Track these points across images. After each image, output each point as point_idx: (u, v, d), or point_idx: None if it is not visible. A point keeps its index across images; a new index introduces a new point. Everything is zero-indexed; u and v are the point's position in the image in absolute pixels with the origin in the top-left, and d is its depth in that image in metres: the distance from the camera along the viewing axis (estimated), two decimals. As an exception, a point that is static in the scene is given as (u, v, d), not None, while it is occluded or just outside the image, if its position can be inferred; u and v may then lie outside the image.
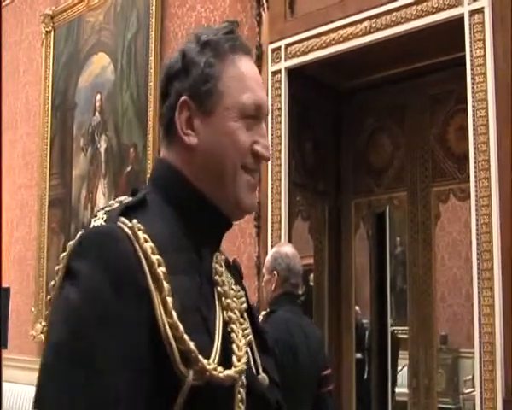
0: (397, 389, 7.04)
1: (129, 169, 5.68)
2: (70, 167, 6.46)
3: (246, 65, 1.19)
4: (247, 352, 1.11)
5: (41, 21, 6.88)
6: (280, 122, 4.23)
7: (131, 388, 0.95)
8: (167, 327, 0.98)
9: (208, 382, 0.99)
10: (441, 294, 8.54)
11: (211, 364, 1.00)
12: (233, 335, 1.08)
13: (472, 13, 3.37)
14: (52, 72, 6.76)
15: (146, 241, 1.02)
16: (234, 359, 1.05)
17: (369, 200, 5.08)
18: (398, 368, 8.32)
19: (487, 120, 3.24)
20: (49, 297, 1.06)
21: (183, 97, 1.16)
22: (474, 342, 3.24)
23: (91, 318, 0.95)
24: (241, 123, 1.15)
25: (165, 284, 1.00)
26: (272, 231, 4.20)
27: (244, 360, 1.06)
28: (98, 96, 6.14)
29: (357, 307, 5.67)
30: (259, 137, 1.17)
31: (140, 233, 1.02)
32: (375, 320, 5.60)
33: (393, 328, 6.61)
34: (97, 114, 6.15)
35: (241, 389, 1.06)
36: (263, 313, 3.24)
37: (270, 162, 4.23)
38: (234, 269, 1.33)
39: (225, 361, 1.03)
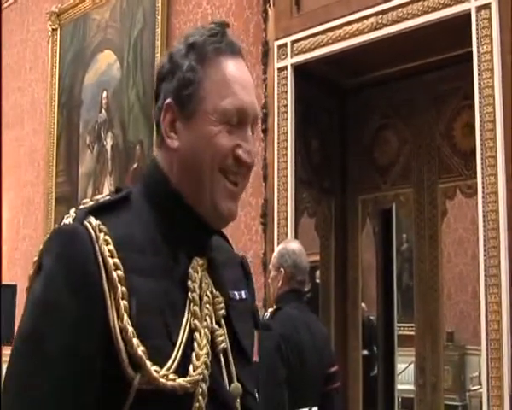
0: (402, 386, 7.03)
1: (135, 166, 5.69)
2: (76, 165, 6.47)
3: (231, 68, 1.17)
4: (216, 360, 1.12)
5: (47, 19, 6.90)
6: (286, 119, 4.23)
7: (74, 384, 1.00)
8: (117, 330, 1.00)
9: (158, 388, 1.01)
10: (448, 291, 8.52)
11: (160, 371, 1.01)
12: (195, 343, 1.08)
13: (478, 8, 3.36)
14: (58, 69, 6.77)
15: (106, 243, 1.04)
16: (190, 368, 1.05)
17: (376, 196, 5.08)
18: (404, 365, 8.32)
19: (494, 116, 3.23)
20: (26, 286, 1.10)
21: (168, 100, 1.16)
22: (480, 339, 3.23)
23: (45, 313, 1.01)
24: (222, 127, 1.14)
25: (120, 288, 1.02)
26: (278, 228, 4.20)
27: (200, 370, 1.05)
28: (104, 94, 6.15)
29: (363, 304, 5.66)
30: (242, 141, 1.15)
31: (101, 235, 1.05)
32: (382, 317, 5.59)
33: (400, 325, 6.60)
34: (103, 111, 6.16)
35: (201, 398, 1.06)
36: (269, 310, 3.24)
37: (276, 159, 4.23)
38: (241, 267, 1.34)
39: (185, 368, 1.05)
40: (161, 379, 1.01)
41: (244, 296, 1.27)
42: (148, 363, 1.00)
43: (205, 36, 1.18)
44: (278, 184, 4.22)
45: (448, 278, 8.48)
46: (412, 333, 5.62)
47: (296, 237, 4.14)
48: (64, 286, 1.01)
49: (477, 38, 3.35)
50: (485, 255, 3.22)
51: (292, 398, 2.89)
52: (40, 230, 6.74)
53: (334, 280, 4.97)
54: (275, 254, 3.31)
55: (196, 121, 1.14)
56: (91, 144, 6.31)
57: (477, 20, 3.36)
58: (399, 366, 6.85)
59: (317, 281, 5.25)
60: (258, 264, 4.42)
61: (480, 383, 5.41)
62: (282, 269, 3.18)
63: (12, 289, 5.63)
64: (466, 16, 3.42)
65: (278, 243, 3.89)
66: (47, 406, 0.98)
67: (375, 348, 6.63)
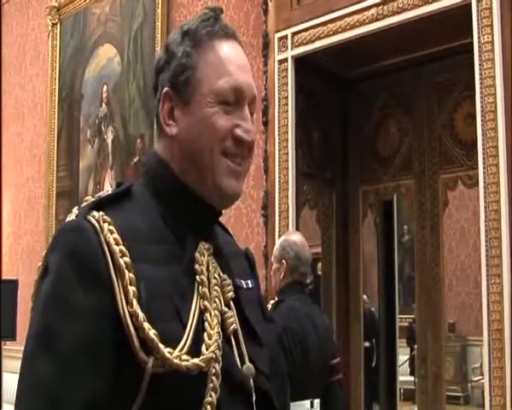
0: (403, 378, 7.06)
1: (136, 160, 5.69)
2: (77, 159, 6.47)
3: (225, 49, 1.18)
4: (226, 341, 1.12)
5: (47, 14, 6.89)
6: (287, 111, 4.22)
7: (90, 374, 1.00)
8: (127, 316, 1.01)
9: (173, 370, 1.01)
10: (449, 282, 8.54)
11: (173, 352, 1.02)
12: (206, 324, 1.09)
13: (479, -2, 3.35)
14: (59, 64, 6.77)
15: (111, 232, 1.05)
16: (203, 348, 1.06)
17: (377, 188, 5.08)
18: (406, 357, 8.36)
19: (495, 107, 3.22)
20: (32, 291, 1.10)
21: (165, 89, 1.17)
22: (482, 329, 3.23)
23: (57, 308, 1.02)
24: (219, 108, 1.14)
25: (127, 274, 1.03)
26: (280, 220, 4.19)
27: (213, 348, 1.06)
28: (105, 88, 6.14)
29: (364, 296, 5.67)
30: (240, 120, 1.16)
31: (105, 225, 1.05)
32: (383, 309, 5.60)
33: (401, 316, 6.61)
34: (104, 105, 6.16)
35: (214, 378, 1.06)
36: (271, 302, 3.24)
37: (277, 152, 4.23)
38: (246, 259, 1.35)
39: (198, 350, 1.05)
40: (175, 360, 1.01)
41: (250, 286, 1.28)
42: (161, 345, 1.01)
43: (198, 21, 1.19)
44: (279, 177, 4.22)
45: (450, 268, 8.50)
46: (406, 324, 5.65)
47: (297, 229, 4.14)
48: (73, 281, 1.02)
49: (478, 29, 3.33)
50: (486, 246, 3.22)
51: (294, 390, 2.90)
52: (41, 225, 6.75)
53: (336, 272, 4.97)
54: (277, 246, 3.31)
55: (194, 105, 1.15)
56: (92, 139, 6.31)
57: (478, 10, 3.34)
58: (401, 358, 6.86)
59: (319, 273, 5.26)
60: (259, 256, 4.43)
61: (481, 374, 5.43)
62: (284, 261, 3.17)
63: (14, 284, 5.63)
64: (467, 6, 3.40)
65: (279, 236, 3.88)
66: (63, 401, 0.98)
67: (373, 340, 6.66)
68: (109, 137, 6.07)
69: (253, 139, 1.17)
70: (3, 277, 6.20)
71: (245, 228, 4.60)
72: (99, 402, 1.00)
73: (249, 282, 1.28)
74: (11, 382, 5.76)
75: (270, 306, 3.19)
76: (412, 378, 6.76)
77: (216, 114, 1.14)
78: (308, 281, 3.39)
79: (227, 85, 1.14)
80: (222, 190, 1.16)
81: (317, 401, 3.07)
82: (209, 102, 1.14)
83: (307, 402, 3.03)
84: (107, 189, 5.91)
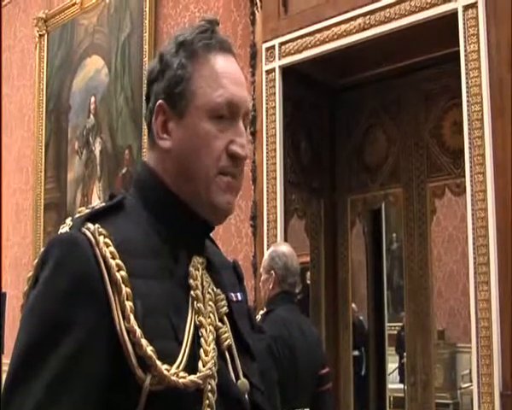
0: (392, 386, 7.06)
1: (124, 171, 5.68)
2: (65, 171, 6.45)
3: (221, 63, 1.16)
4: (221, 357, 1.11)
5: (34, 25, 6.88)
6: (274, 121, 4.23)
7: (84, 391, 0.97)
8: (124, 332, 0.99)
9: (169, 387, 0.99)
10: (438, 289, 8.57)
11: (170, 369, 1.00)
12: (202, 340, 1.07)
13: (465, 8, 3.37)
14: (46, 75, 6.76)
15: (107, 245, 1.02)
16: (199, 364, 1.04)
17: (365, 196, 5.09)
18: (395, 365, 8.37)
19: (482, 115, 3.24)
20: (21, 304, 1.08)
21: (159, 101, 1.15)
22: (471, 336, 3.24)
23: (47, 324, 0.98)
24: (213, 124, 1.13)
25: (124, 289, 1.00)
26: (268, 230, 4.19)
27: (210, 365, 1.05)
28: (92, 99, 6.14)
29: (353, 305, 5.68)
30: (235, 136, 1.14)
31: (101, 238, 1.02)
32: (372, 317, 5.61)
33: (390, 324, 6.62)
34: (92, 116, 6.15)
35: (210, 394, 1.04)
36: (261, 312, 3.24)
37: (265, 161, 4.23)
38: (233, 271, 1.34)
39: (194, 366, 1.04)
40: (172, 377, 0.99)
41: (240, 298, 1.27)
42: (158, 362, 0.99)
43: (195, 33, 1.17)
44: (267, 186, 4.22)
45: (438, 276, 8.53)
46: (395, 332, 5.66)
47: (286, 238, 4.14)
48: (63, 295, 0.99)
49: (464, 37, 3.36)
50: (474, 253, 3.23)
51: (284, 400, 2.90)
52: (29, 237, 6.71)
53: (325, 281, 4.97)
54: (265, 257, 3.32)
55: (187, 118, 1.13)
56: (80, 150, 6.29)
57: (464, 19, 3.37)
58: (390, 366, 6.87)
59: (308, 282, 5.26)
60: (248, 266, 4.42)
61: (470, 381, 5.44)
62: (272, 272, 3.18)
63: (1, 297, 5.59)
64: (453, 15, 3.43)
65: (268, 246, 3.89)
66: None
67: (363, 349, 6.67)
68: (97, 149, 6.06)
69: (246, 153, 1.16)
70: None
71: (233, 238, 4.60)
72: None
73: (238, 295, 1.27)
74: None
75: (259, 316, 3.19)
76: (402, 386, 6.77)
77: (211, 132, 1.12)
78: (297, 291, 3.39)
79: (221, 99, 1.13)
80: (216, 206, 1.15)
81: (306, 411, 3.07)
82: (204, 116, 1.12)
83: (297, 412, 3.02)
84: (96, 201, 5.91)
